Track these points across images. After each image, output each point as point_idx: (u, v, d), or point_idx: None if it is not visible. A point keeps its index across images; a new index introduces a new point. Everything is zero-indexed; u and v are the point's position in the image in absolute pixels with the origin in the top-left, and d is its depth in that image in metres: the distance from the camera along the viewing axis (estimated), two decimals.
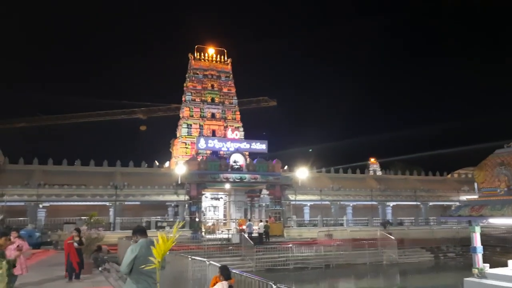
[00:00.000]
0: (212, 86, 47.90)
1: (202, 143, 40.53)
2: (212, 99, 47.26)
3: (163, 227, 31.17)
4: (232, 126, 46.26)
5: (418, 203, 45.23)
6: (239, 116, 47.97)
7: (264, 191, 39.37)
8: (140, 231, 5.93)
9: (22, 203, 33.93)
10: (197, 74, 47.88)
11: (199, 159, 38.14)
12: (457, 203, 39.94)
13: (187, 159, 40.08)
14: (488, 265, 12.87)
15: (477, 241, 13.06)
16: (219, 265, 7.05)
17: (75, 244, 12.91)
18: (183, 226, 29.29)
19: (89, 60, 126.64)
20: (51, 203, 34.96)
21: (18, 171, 36.99)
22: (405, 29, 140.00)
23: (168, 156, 49.50)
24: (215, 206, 40.92)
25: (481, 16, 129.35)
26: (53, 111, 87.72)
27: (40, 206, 34.40)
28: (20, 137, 65.76)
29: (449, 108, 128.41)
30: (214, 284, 6.56)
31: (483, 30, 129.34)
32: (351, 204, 44.68)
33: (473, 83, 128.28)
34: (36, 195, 33.90)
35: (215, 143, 41.17)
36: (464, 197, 41.46)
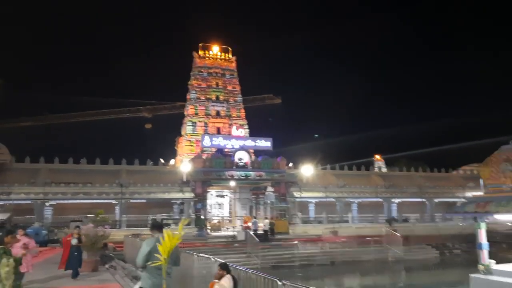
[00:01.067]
0: (217, 84, 47.90)
1: (207, 141, 40.57)
2: (217, 97, 47.28)
3: (169, 225, 31.32)
4: (237, 123, 46.27)
5: (424, 199, 45.08)
6: (244, 113, 47.97)
7: (269, 188, 39.37)
8: (157, 227, 6.18)
9: (29, 201, 34.20)
10: (202, 72, 47.90)
11: (204, 157, 38.20)
12: (463, 200, 39.78)
13: (192, 156, 40.18)
14: (494, 261, 12.81)
15: (482, 238, 12.97)
16: (219, 264, 6.80)
17: (74, 241, 12.96)
18: (188, 224, 29.45)
19: (94, 59, 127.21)
20: (58, 201, 35.24)
21: (25, 170, 37.29)
22: (406, 28, 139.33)
23: (173, 154, 49.69)
24: (220, 204, 41.00)
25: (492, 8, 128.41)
26: (59, 110, 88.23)
27: (47, 204, 34.67)
28: (27, 136, 66.01)
29: (454, 104, 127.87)
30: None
31: (496, 23, 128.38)
32: (356, 201, 44.66)
33: (477, 78, 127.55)
34: (43, 193, 34.13)
35: (220, 141, 41.17)
36: (469, 194, 41.29)
